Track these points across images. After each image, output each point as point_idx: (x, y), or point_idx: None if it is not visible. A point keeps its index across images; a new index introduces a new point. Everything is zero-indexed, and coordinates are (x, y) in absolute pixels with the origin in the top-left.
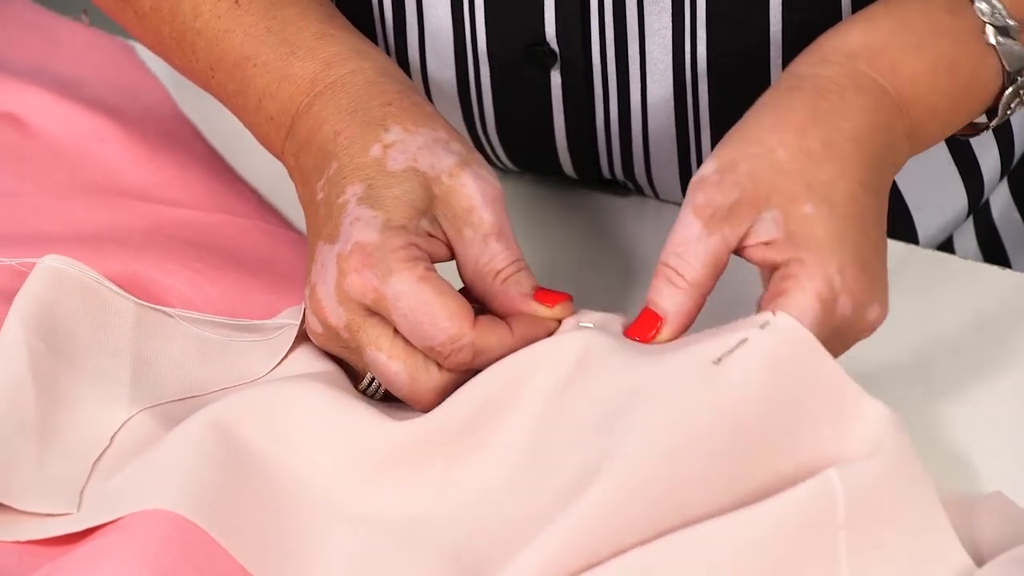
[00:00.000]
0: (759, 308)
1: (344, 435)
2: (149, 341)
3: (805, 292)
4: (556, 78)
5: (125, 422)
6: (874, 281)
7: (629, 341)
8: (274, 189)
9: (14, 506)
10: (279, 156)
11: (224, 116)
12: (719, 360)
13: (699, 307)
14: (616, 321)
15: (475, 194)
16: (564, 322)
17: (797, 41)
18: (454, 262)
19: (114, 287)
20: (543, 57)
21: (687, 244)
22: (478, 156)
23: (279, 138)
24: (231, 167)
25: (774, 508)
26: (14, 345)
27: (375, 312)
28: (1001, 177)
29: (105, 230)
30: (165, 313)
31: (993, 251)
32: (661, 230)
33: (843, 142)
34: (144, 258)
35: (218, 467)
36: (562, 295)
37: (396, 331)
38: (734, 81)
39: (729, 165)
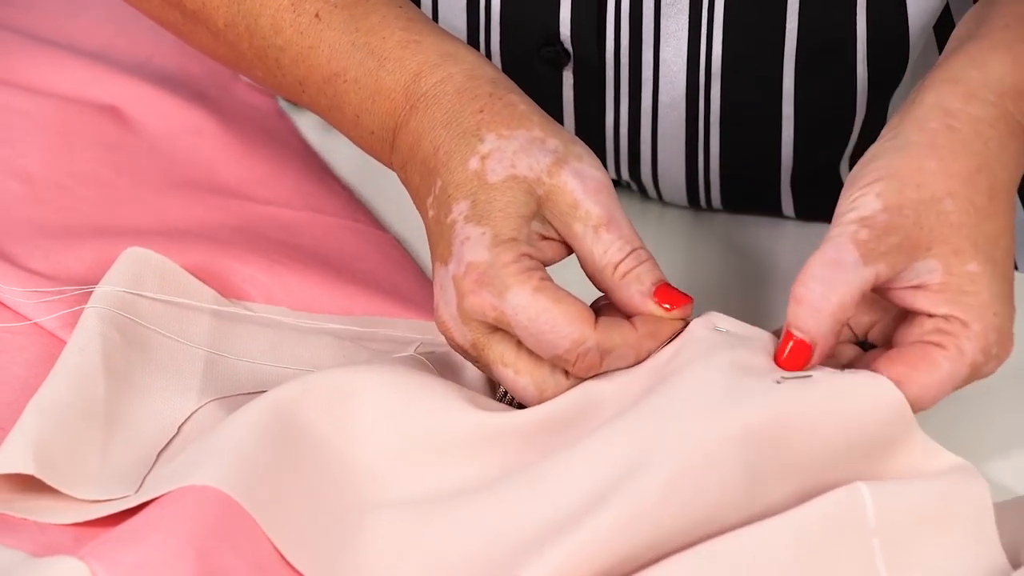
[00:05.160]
0: (861, 342)
1: (403, 422)
2: (225, 334)
3: (963, 355)
4: (568, 78)
5: (194, 412)
6: (1012, 334)
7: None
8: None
9: (76, 496)
10: (390, 167)
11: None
12: (780, 380)
13: (839, 334)
14: (757, 335)
15: (576, 189)
16: (694, 323)
17: (811, 46)
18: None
19: (194, 279)
20: (556, 56)
21: (838, 268)
22: (578, 149)
23: (385, 152)
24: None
25: (801, 514)
26: (89, 335)
27: (498, 328)
28: None
29: (193, 225)
30: (245, 307)
31: None
32: (663, 231)
33: (1003, 195)
34: (227, 250)
35: (271, 450)
36: (682, 297)
37: (521, 345)
38: (746, 84)
39: (896, 208)
